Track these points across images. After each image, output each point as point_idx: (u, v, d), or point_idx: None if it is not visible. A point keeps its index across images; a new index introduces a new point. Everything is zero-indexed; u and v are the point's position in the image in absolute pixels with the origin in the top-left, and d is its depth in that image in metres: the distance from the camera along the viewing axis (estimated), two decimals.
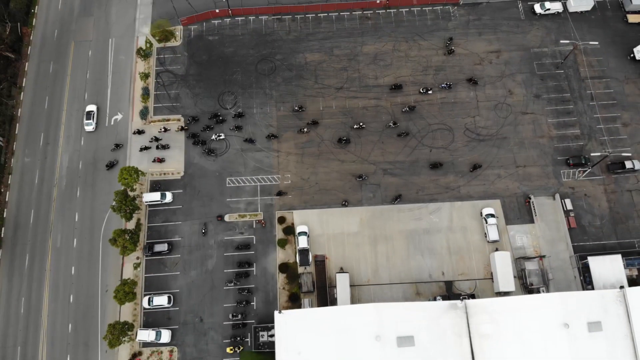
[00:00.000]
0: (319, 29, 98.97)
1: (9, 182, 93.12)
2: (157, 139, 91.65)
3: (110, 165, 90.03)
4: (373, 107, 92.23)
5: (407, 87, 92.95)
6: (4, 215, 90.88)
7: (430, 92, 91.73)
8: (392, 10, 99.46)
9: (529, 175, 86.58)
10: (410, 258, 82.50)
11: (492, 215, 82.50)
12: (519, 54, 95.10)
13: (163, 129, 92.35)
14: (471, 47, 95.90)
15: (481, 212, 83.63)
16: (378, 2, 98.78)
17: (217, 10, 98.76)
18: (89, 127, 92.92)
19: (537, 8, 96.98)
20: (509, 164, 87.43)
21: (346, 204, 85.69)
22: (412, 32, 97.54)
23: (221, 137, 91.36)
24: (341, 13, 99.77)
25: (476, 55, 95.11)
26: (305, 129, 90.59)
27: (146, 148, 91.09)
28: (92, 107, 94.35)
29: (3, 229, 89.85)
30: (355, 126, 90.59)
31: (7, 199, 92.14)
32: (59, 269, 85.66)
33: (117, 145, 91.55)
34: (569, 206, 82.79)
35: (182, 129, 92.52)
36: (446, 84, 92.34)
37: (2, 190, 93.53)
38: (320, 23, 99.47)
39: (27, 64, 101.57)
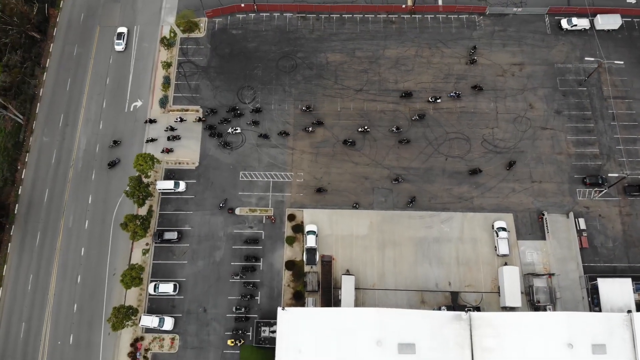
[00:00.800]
0: (342, 30, 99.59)
1: (26, 160, 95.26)
2: (172, 129, 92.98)
3: (112, 165, 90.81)
4: (391, 112, 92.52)
5: (425, 94, 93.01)
6: (19, 193, 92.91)
7: (439, 100, 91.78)
8: (417, 16, 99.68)
9: (544, 191, 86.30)
10: (418, 265, 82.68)
11: (504, 229, 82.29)
12: (543, 68, 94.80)
13: (179, 119, 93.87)
14: (494, 58, 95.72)
15: (493, 225, 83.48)
16: (404, 6, 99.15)
17: (242, 5, 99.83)
18: (119, 47, 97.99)
19: (564, 23, 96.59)
20: (524, 178, 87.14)
21: (357, 206, 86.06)
22: (435, 39, 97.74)
23: (237, 131, 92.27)
24: (366, 15, 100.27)
25: (499, 67, 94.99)
26: (310, 129, 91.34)
27: (152, 140, 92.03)
28: (123, 29, 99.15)
29: (17, 205, 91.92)
30: (359, 129, 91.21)
31: (22, 177, 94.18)
32: (68, 249, 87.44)
33: (116, 142, 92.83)
34: (583, 226, 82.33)
35: (199, 120, 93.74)
36: (455, 93, 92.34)
37: (19, 167, 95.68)
38: (344, 24, 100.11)
39: (52, 45, 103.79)
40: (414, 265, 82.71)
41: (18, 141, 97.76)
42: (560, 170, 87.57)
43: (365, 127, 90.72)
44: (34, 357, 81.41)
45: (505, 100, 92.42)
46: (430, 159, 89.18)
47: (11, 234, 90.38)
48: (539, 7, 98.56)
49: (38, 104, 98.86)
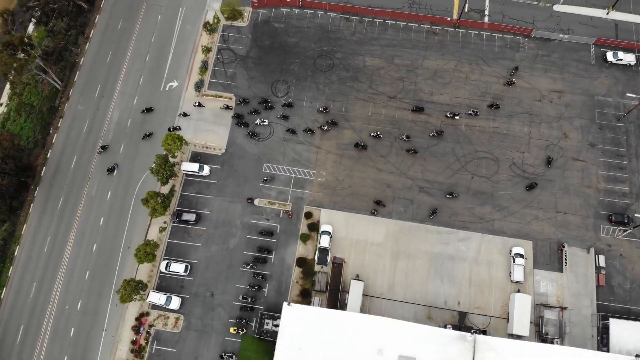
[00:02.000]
0: (383, 35, 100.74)
1: (59, 125, 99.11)
2: (185, 114, 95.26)
3: (111, 170, 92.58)
4: (422, 122, 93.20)
5: (459, 108, 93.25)
6: (48, 156, 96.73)
7: (457, 117, 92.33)
8: (461, 30, 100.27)
9: (567, 222, 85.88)
10: (429, 281, 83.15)
11: (521, 256, 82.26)
12: (582, 98, 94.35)
13: (197, 104, 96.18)
14: (534, 82, 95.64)
15: (510, 250, 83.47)
16: (449, 19, 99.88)
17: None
18: None
19: (610, 56, 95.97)
20: (549, 207, 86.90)
21: (375, 212, 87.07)
22: (477, 56, 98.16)
23: (265, 123, 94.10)
24: (409, 24, 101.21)
25: (538, 91, 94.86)
26: (326, 127, 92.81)
27: (185, 114, 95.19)
28: None
29: (44, 168, 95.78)
30: (372, 134, 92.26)
31: (53, 141, 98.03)
32: (88, 217, 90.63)
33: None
34: (602, 263, 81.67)
35: (227, 107, 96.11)
36: (473, 111, 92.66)
37: (51, 131, 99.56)
38: (387, 30, 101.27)
39: (98, 16, 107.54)
40: (426, 279, 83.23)
41: (53, 106, 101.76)
42: (587, 204, 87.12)
43: (378, 133, 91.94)
44: (41, 317, 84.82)
45: (539, 126, 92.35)
46: (456, 175, 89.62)
47: (35, 195, 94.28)
48: (585, 36, 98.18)
49: (77, 72, 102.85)
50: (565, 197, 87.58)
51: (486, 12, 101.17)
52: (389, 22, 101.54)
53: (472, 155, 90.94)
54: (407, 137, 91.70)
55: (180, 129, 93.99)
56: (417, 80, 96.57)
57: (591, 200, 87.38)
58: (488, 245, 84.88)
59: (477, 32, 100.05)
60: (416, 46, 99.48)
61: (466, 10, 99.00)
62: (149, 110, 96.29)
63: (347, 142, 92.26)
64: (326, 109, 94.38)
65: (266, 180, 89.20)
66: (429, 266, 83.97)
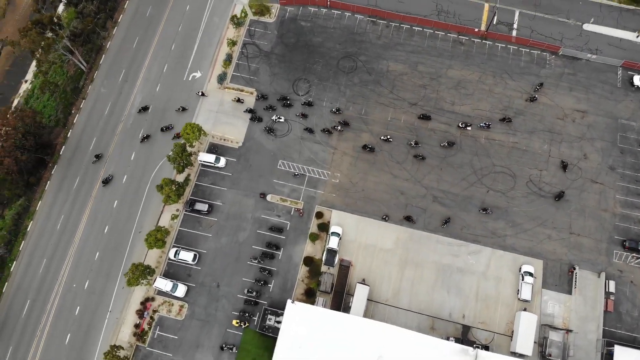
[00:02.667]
0: (409, 41, 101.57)
1: (81, 106, 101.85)
2: (184, 109, 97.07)
3: (106, 182, 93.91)
4: (441, 132, 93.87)
5: (479, 120, 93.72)
6: (68, 136, 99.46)
7: (469, 128, 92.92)
8: (488, 42, 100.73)
9: (580, 244, 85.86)
10: (435, 291, 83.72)
11: (531, 274, 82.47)
12: (605, 120, 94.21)
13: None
14: (558, 100, 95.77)
15: (520, 268, 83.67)
16: (476, 30, 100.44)
17: None
18: None
19: (636, 80, 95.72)
20: (563, 227, 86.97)
21: (386, 218, 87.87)
22: (502, 69, 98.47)
23: (281, 120, 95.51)
24: (436, 32, 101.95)
25: (561, 110, 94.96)
26: (339, 127, 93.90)
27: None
28: None
29: (64, 147, 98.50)
30: (382, 137, 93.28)
31: (74, 121, 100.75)
32: (102, 198, 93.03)
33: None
34: (612, 288, 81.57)
35: (238, 100, 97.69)
36: (485, 124, 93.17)
37: (73, 112, 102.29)
38: (413, 36, 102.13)
39: (127, 1, 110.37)
40: (432, 290, 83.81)
41: (77, 87, 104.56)
42: (602, 227, 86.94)
43: (388, 137, 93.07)
44: (48, 293, 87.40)
45: (560, 145, 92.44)
46: (472, 188, 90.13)
47: (52, 172, 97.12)
48: (613, 58, 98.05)
49: (103, 55, 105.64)
50: (581, 218, 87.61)
51: (515, 26, 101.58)
52: (416, 28, 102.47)
53: (490, 168, 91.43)
54: (416, 142, 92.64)
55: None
56: (439, 89, 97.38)
57: (606, 224, 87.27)
58: (498, 260, 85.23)
59: (504, 45, 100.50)
60: (441, 55, 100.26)
61: (495, 22, 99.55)
62: (145, 109, 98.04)
63: (363, 145, 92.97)
64: (339, 110, 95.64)
65: (297, 175, 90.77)
66: (436, 277, 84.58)
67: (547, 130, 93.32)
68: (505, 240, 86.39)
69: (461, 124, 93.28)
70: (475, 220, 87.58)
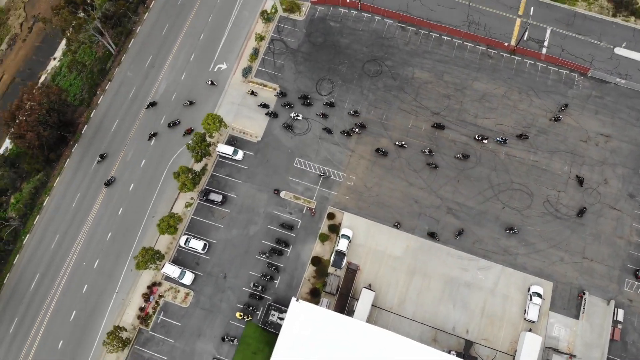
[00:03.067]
0: (437, 50, 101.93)
1: (107, 87, 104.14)
2: (189, 103, 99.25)
3: (108, 183, 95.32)
4: (461, 144, 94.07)
5: (499, 135, 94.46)
6: (91, 115, 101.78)
7: (485, 141, 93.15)
8: (516, 58, 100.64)
9: (591, 270, 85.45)
10: (441, 303, 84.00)
11: (539, 295, 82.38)
12: (629, 147, 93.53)
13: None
14: (583, 122, 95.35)
15: (529, 288, 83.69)
16: (506, 44, 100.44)
17: (347, 0, 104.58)
18: None
19: None
20: (576, 251, 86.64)
21: (398, 225, 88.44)
22: (528, 86, 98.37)
23: (299, 118, 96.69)
24: (465, 43, 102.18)
25: (585, 132, 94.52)
26: (357, 130, 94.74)
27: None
28: None
29: (86, 127, 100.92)
30: (396, 142, 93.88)
31: (99, 102, 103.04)
32: (119, 181, 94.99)
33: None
34: (620, 317, 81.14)
35: (252, 93, 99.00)
36: (501, 139, 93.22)
37: (98, 93, 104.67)
38: (441, 45, 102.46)
39: None
40: (438, 302, 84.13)
41: (104, 68, 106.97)
42: (616, 254, 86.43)
43: (403, 143, 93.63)
44: (58, 269, 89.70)
45: (581, 168, 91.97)
46: (487, 203, 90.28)
47: (72, 150, 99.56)
48: None
49: (133, 39, 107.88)
50: (595, 244, 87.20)
51: (545, 44, 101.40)
52: (445, 37, 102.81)
53: (507, 185, 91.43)
54: (430, 151, 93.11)
55: (156, 134, 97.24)
56: (463, 100, 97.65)
57: (621, 251, 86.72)
58: (507, 278, 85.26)
59: (532, 62, 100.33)
60: (468, 66, 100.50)
61: (525, 38, 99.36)
62: (152, 104, 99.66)
63: (383, 149, 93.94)
64: (357, 112, 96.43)
65: (322, 176, 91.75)
66: (443, 289, 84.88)
67: (569, 152, 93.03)
68: (516, 259, 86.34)
69: (477, 137, 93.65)
70: (488, 236, 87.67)
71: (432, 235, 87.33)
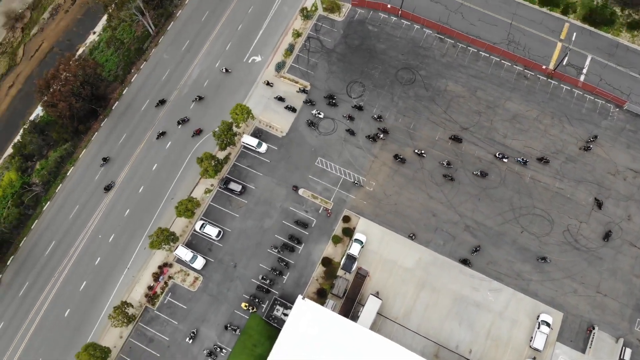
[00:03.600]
0: (473, 65, 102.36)
1: (142, 67, 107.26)
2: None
3: (108, 188, 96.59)
4: (487, 162, 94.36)
5: (527, 158, 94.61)
6: (123, 92, 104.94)
7: (505, 160, 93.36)
8: (553, 82, 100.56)
9: (604, 305, 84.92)
10: (447, 320, 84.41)
11: (548, 324, 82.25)
12: None
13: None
14: (613, 154, 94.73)
15: (538, 316, 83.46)
16: (544, 67, 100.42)
17: (388, 6, 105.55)
18: None
19: None
20: (591, 284, 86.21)
21: (413, 237, 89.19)
22: (562, 111, 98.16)
23: (320, 116, 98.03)
24: (503, 61, 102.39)
25: (614, 165, 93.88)
26: (382, 135, 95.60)
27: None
28: None
29: (117, 103, 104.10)
30: (416, 150, 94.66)
31: (132, 80, 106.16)
32: (144, 160, 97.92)
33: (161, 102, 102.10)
34: (627, 356, 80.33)
35: (267, 83, 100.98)
36: (522, 159, 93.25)
37: (133, 71, 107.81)
38: (478, 60, 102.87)
39: None
40: (444, 318, 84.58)
41: (141, 47, 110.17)
42: (630, 292, 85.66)
43: (422, 152, 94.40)
44: (74, 239, 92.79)
45: (606, 200, 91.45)
46: (506, 225, 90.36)
47: (101, 125, 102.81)
48: None
49: (172, 22, 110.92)
50: (611, 279, 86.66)
51: (584, 71, 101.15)
52: (483, 53, 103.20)
53: (529, 209, 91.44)
54: (448, 163, 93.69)
55: (164, 133, 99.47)
56: (494, 119, 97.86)
57: (636, 290, 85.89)
58: (517, 303, 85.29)
59: (569, 88, 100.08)
60: (503, 85, 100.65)
61: (564, 63, 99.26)
62: (162, 102, 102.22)
63: (407, 160, 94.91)
64: (381, 117, 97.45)
65: (356, 184, 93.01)
66: (451, 306, 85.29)
67: (596, 183, 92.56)
68: (529, 285, 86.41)
69: (498, 154, 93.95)
70: (502, 259, 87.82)
71: (465, 262, 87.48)
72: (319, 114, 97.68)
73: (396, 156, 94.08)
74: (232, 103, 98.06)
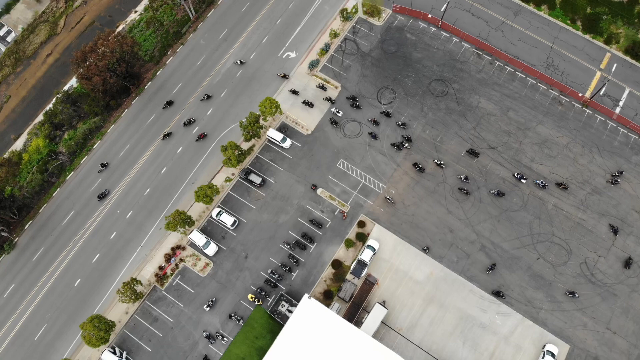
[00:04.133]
0: (508, 84, 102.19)
1: (178, 50, 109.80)
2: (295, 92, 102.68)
3: (101, 197, 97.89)
4: (511, 184, 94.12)
5: (548, 183, 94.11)
6: (157, 73, 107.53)
7: (524, 181, 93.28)
8: (588, 111, 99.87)
9: (612, 343, 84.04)
10: (451, 338, 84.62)
11: (553, 355, 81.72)
12: None
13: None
14: None
15: (544, 345, 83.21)
16: (580, 95, 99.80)
17: (429, 15, 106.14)
18: None
19: None
20: (601, 320, 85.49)
21: (427, 250, 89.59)
22: (593, 142, 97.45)
23: (339, 114, 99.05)
24: (539, 84, 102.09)
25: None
26: (406, 145, 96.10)
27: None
28: None
29: (150, 83, 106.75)
30: (435, 160, 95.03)
31: (167, 63, 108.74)
32: (169, 142, 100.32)
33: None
34: None
35: (284, 76, 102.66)
36: (541, 182, 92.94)
37: (169, 53, 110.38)
38: (514, 80, 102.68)
39: None
40: (448, 335, 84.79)
41: (180, 31, 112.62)
42: None
43: (441, 162, 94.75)
44: (93, 210, 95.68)
45: (627, 237, 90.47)
46: (523, 250, 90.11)
47: (132, 103, 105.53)
48: None
49: (213, 9, 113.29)
50: (622, 317, 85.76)
51: (620, 103, 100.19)
52: (519, 74, 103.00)
53: (548, 237, 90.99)
54: (466, 177, 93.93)
55: (194, 121, 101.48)
56: (523, 141, 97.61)
57: None
58: (525, 330, 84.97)
59: (603, 119, 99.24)
60: (536, 108, 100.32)
61: (601, 93, 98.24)
62: (169, 104, 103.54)
63: (428, 171, 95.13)
64: (405, 124, 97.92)
65: (388, 199, 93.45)
66: (457, 324, 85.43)
67: (619, 218, 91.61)
68: (538, 313, 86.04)
69: (516, 174, 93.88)
70: (515, 283, 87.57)
71: (498, 294, 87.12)
72: (337, 112, 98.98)
73: (415, 164, 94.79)
74: (262, 96, 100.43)
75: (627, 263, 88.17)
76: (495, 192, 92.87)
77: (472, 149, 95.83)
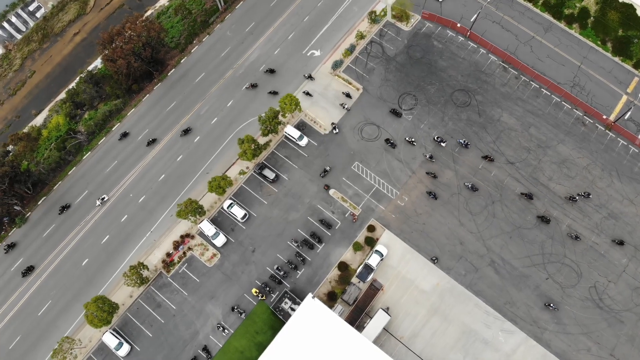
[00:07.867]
0: (532, 101, 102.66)
1: (204, 40, 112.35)
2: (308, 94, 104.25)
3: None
4: (526, 201, 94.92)
5: (561, 201, 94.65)
6: (181, 61, 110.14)
7: (531, 199, 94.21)
8: (611, 134, 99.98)
9: None
10: (452, 351, 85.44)
11: None
12: None
13: (309, 76, 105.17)
14: None
15: None
16: (604, 117, 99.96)
17: (458, 25, 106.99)
18: None
19: None
20: (606, 346, 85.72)
21: (435, 260, 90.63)
22: (613, 166, 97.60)
23: (347, 108, 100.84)
24: (563, 102, 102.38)
25: None
26: (429, 156, 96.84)
27: (308, 94, 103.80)
28: None
29: (173, 70, 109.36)
30: (424, 154, 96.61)
31: (192, 51, 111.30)
32: (187, 132, 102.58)
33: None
34: None
35: (309, 76, 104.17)
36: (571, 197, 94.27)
37: (194, 42, 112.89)
38: (538, 97, 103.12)
39: None
40: (449, 348, 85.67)
41: (207, 21, 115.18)
42: None
43: (439, 138, 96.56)
44: (107, 192, 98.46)
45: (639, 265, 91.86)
46: (532, 268, 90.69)
47: (154, 88, 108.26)
48: None
49: (241, 2, 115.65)
50: (627, 345, 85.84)
51: None
52: (544, 91, 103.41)
53: (559, 257, 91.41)
54: (473, 186, 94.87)
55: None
56: (542, 159, 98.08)
57: None
58: (527, 349, 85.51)
59: (625, 144, 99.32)
60: (558, 127, 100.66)
61: (626, 117, 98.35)
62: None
63: (444, 181, 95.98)
64: (442, 140, 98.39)
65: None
66: (459, 338, 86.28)
67: (633, 245, 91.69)
68: (543, 334, 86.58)
69: (526, 193, 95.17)
70: (521, 301, 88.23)
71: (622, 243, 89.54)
72: (335, 129, 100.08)
73: (428, 172, 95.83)
74: (283, 92, 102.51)
75: (620, 242, 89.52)
76: (525, 194, 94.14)
77: (487, 155, 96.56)
